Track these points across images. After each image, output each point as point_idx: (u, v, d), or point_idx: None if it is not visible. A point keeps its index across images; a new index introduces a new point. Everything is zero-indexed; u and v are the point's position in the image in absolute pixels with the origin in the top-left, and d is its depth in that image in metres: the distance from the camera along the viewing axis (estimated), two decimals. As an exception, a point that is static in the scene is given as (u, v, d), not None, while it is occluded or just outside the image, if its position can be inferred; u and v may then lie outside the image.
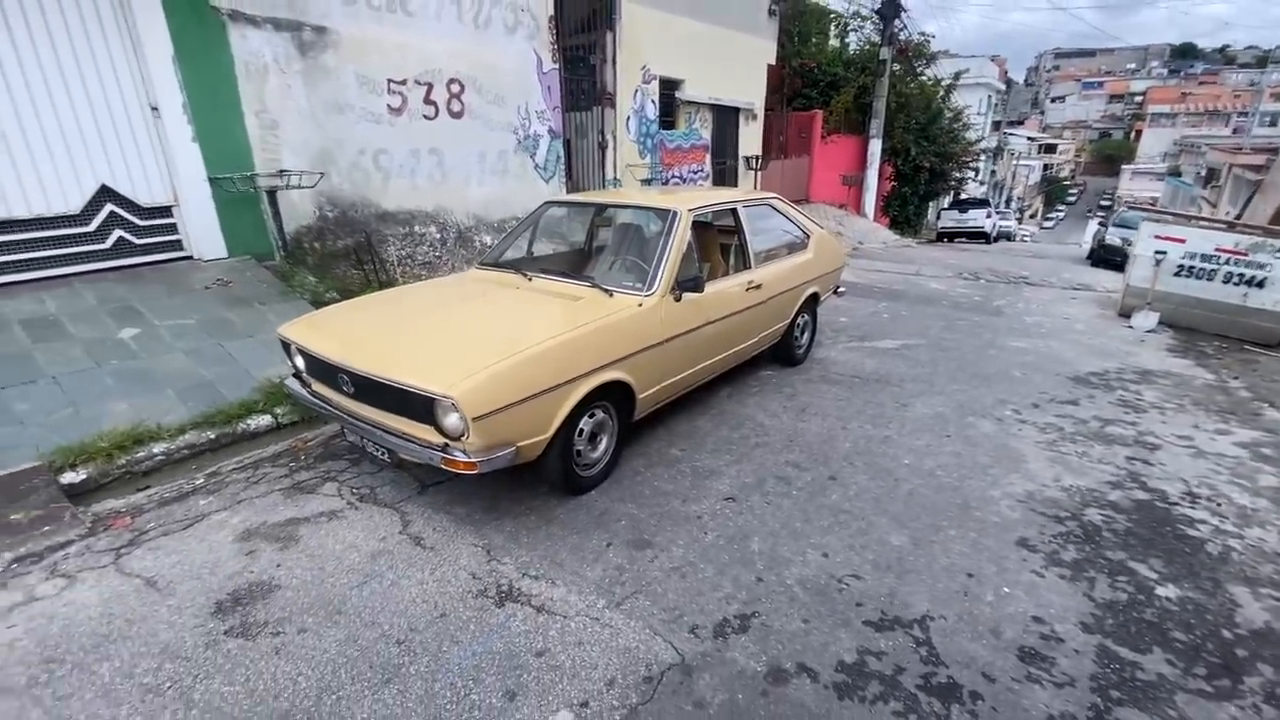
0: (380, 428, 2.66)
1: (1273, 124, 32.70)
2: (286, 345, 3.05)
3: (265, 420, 3.73)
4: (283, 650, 2.03)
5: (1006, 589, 2.48)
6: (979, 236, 19.96)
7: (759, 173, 13.19)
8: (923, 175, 17.75)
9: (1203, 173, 32.74)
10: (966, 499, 3.12)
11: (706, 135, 11.66)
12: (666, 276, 3.26)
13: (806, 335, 5.08)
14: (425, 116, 6.70)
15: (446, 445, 2.47)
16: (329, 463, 3.30)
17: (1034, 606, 2.39)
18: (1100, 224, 16.89)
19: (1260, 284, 6.50)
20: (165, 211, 5.06)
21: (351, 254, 5.93)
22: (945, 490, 3.20)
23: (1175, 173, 41.01)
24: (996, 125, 38.17)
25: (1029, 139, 56.16)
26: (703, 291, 3.29)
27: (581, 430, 2.91)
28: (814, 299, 4.95)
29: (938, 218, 20.75)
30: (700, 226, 4.19)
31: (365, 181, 6.31)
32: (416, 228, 6.74)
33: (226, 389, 3.91)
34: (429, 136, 6.77)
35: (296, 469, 3.25)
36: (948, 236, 20.18)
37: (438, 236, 6.87)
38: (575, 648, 2.09)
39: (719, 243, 4.28)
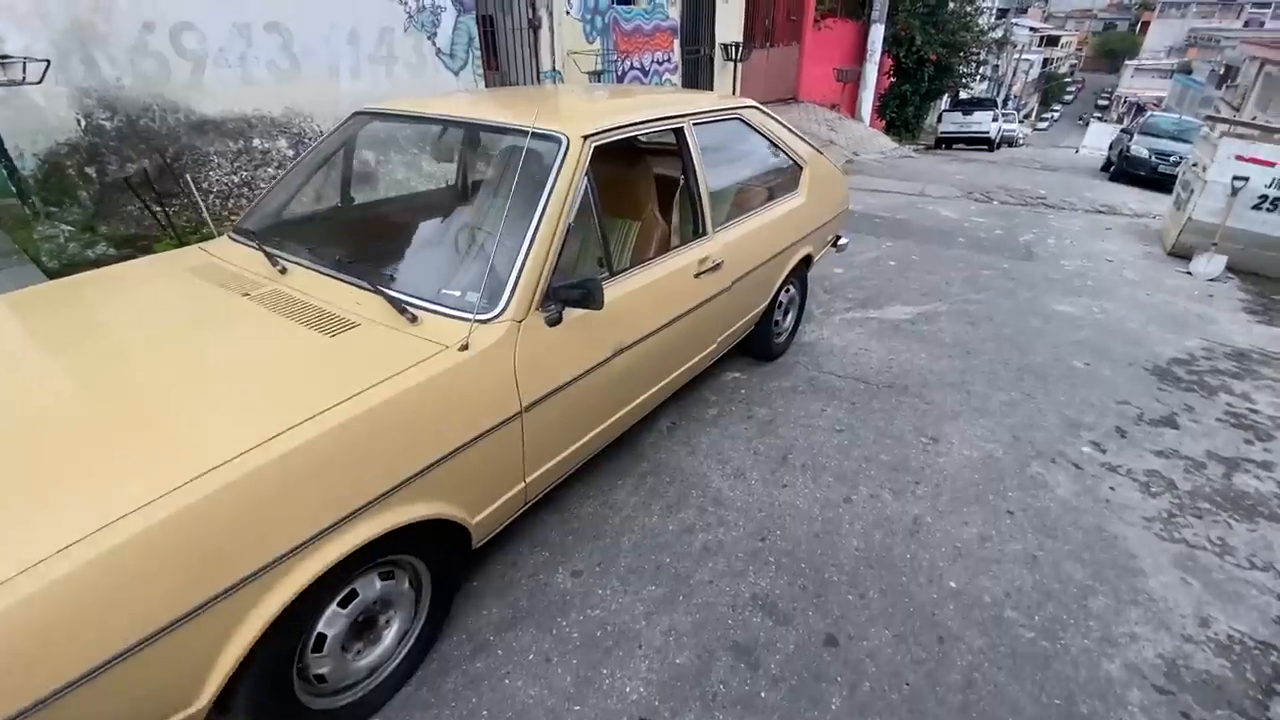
0: None
1: (1300, 14, 29.84)
2: None
3: None
4: None
5: None
6: (981, 142, 17.92)
7: (739, 65, 11.01)
8: (927, 70, 15.49)
9: (1219, 70, 30.32)
10: (1071, 689, 1.74)
11: (674, 14, 9.42)
12: (528, 280, 1.65)
13: (791, 316, 3.53)
14: (254, -27, 4.64)
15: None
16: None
17: None
18: (1124, 131, 15.00)
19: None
20: None
21: (144, 184, 4.10)
22: (1028, 663, 1.80)
23: (1186, 70, 38.38)
24: (1002, 14, 34.67)
25: (1031, 29, 52.08)
26: (601, 306, 1.69)
27: (323, 638, 1.41)
28: (805, 262, 3.36)
29: (938, 120, 18.55)
30: (616, 162, 2.50)
31: (163, 73, 4.36)
32: (257, 141, 4.85)
33: None
34: (264, 4, 4.74)
35: None
36: (946, 142, 18.12)
37: (291, 154, 4.99)
38: None
39: (652, 189, 2.59)
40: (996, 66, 31.87)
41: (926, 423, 2.96)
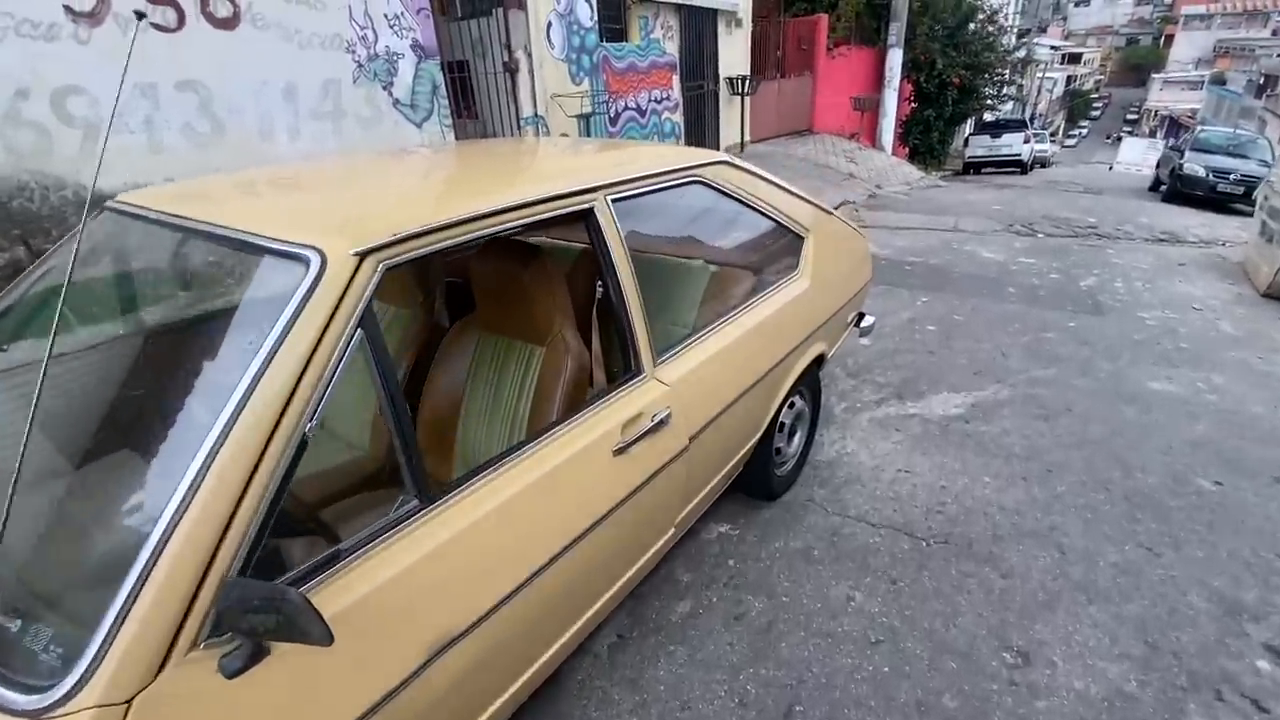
0: None
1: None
2: None
3: None
4: None
5: None
6: (1012, 165, 16.83)
7: (747, 98, 10.27)
8: (950, 93, 14.57)
9: (1257, 79, 28.79)
10: None
11: (673, 49, 8.73)
12: (165, 595, 0.75)
13: (800, 436, 2.57)
14: (159, 26, 3.99)
15: None
16: None
17: None
18: (1172, 149, 13.77)
19: None
20: None
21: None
22: None
23: (1219, 81, 36.78)
24: (1022, 34, 33.80)
25: (1052, 48, 51.05)
26: (325, 639, 0.78)
27: None
28: (818, 362, 2.43)
29: (965, 144, 17.55)
30: (504, 258, 1.62)
31: (43, 144, 3.68)
32: (165, 217, 4.15)
33: None
34: (174, 62, 4.08)
35: None
36: (974, 167, 17.08)
37: (206, 229, 4.28)
38: None
39: (562, 299, 1.68)
40: (1021, 86, 30.85)
41: (1008, 617, 1.96)
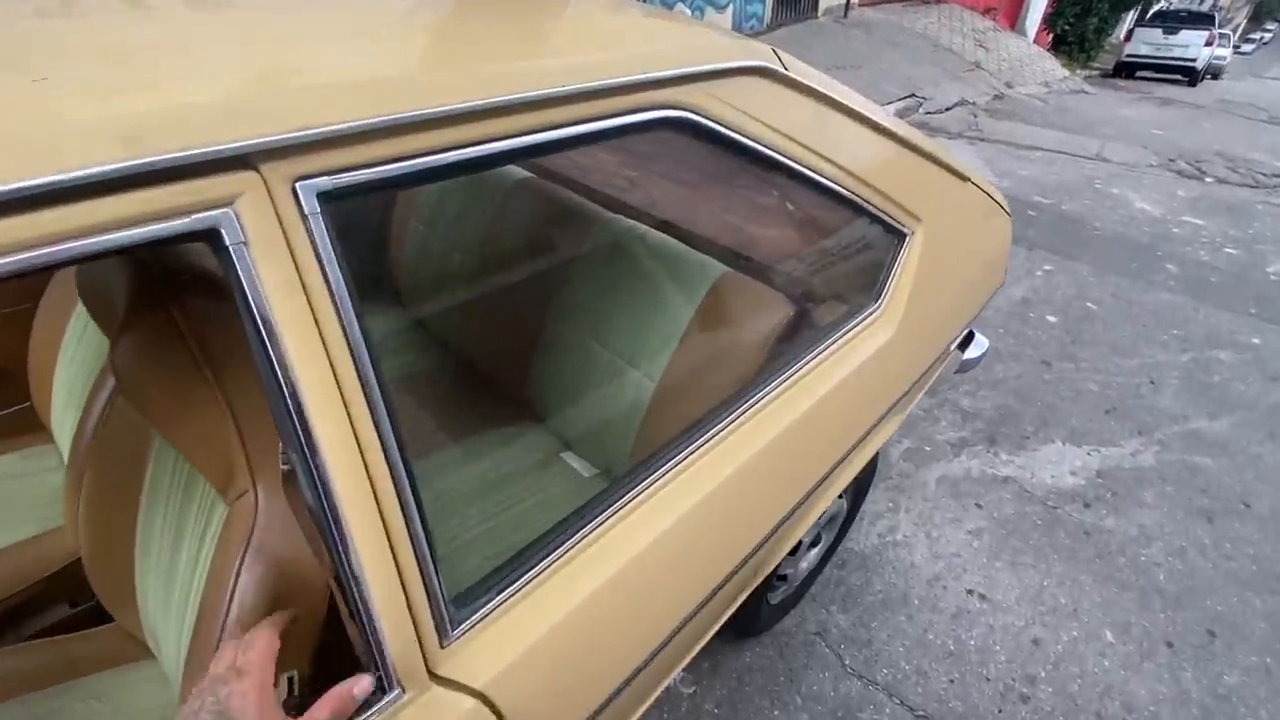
0: None
1: None
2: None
3: None
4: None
5: None
6: (1179, 72, 13.63)
7: (866, -55, 8.10)
8: (1125, -33, 11.53)
9: None
10: None
11: None
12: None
13: (821, 546, 1.60)
14: None
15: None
16: None
17: None
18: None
19: None
20: None
21: None
22: None
23: None
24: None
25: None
26: None
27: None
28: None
29: (1126, 38, 14.24)
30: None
31: None
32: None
33: None
34: None
35: None
36: (1129, 68, 13.93)
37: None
38: None
39: (220, 407, 0.68)
40: (1212, -32, 25.03)
41: None
